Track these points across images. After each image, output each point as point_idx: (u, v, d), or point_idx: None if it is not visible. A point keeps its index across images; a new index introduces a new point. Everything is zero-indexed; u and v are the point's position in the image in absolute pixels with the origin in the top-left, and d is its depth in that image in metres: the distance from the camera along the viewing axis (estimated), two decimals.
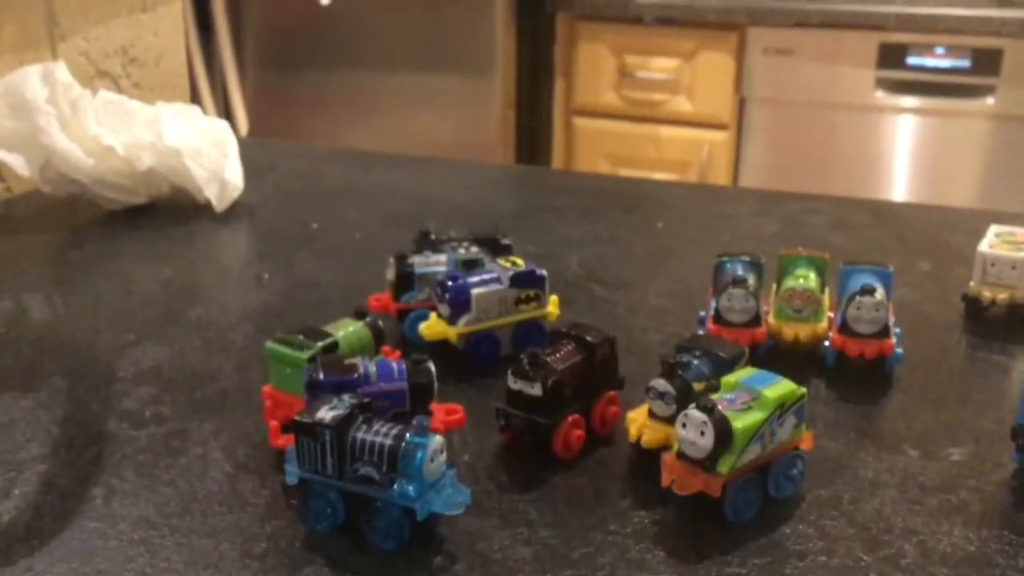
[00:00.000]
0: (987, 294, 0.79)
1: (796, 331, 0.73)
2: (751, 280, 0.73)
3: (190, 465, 0.62)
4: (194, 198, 1.06)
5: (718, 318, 0.73)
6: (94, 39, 1.19)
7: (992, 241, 0.80)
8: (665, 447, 0.58)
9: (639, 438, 0.60)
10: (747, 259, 0.76)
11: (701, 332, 0.73)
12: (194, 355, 0.75)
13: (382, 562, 0.53)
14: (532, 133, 2.83)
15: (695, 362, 0.61)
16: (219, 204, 1.04)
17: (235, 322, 0.81)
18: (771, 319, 0.73)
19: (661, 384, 0.60)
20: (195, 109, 1.09)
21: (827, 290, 0.76)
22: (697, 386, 0.60)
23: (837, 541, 0.54)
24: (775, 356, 0.73)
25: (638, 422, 0.61)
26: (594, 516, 0.57)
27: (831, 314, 0.74)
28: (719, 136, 2.67)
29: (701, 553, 0.54)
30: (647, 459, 0.60)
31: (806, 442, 0.58)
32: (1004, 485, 0.60)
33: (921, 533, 0.55)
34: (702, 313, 0.75)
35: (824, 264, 0.76)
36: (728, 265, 0.75)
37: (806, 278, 0.74)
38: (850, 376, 0.71)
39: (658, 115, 2.72)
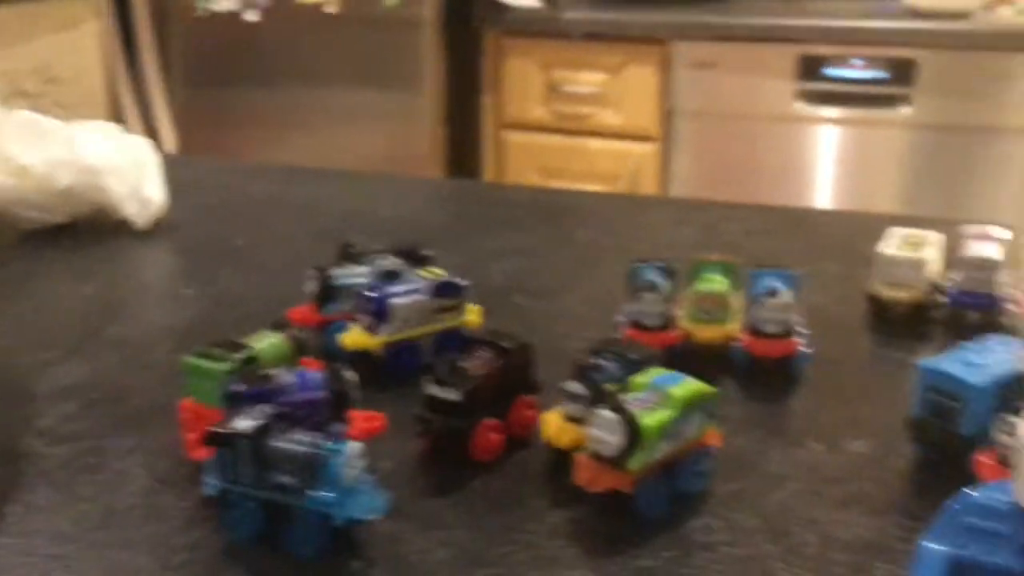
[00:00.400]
0: (888, 294, 0.82)
1: (707, 333, 0.75)
2: (664, 285, 0.75)
3: (109, 480, 0.62)
4: (115, 216, 1.05)
5: (633, 322, 0.75)
6: (13, 58, 1.18)
7: (893, 243, 0.84)
8: (580, 447, 0.60)
9: (555, 439, 0.62)
10: (661, 265, 0.78)
11: (617, 336, 0.75)
12: (114, 372, 0.75)
13: (301, 569, 0.54)
14: (463, 148, 2.85)
15: (607, 364, 0.63)
16: (140, 222, 1.04)
17: (156, 339, 0.82)
18: (684, 322, 0.76)
19: (574, 386, 0.62)
20: (114, 127, 1.08)
21: (737, 293, 0.78)
22: (609, 387, 0.61)
23: (743, 532, 0.57)
24: (688, 358, 0.75)
25: (553, 424, 0.63)
26: (511, 516, 0.58)
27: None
28: (647, 148, 2.71)
29: (613, 548, 0.55)
30: (563, 460, 0.62)
31: (714, 439, 0.61)
32: (902, 475, 0.63)
33: (823, 522, 0.57)
34: (619, 319, 0.77)
35: (734, 268, 0.78)
36: (642, 271, 0.78)
37: (716, 282, 0.76)
38: (759, 376, 0.74)
39: (587, 128, 2.76)
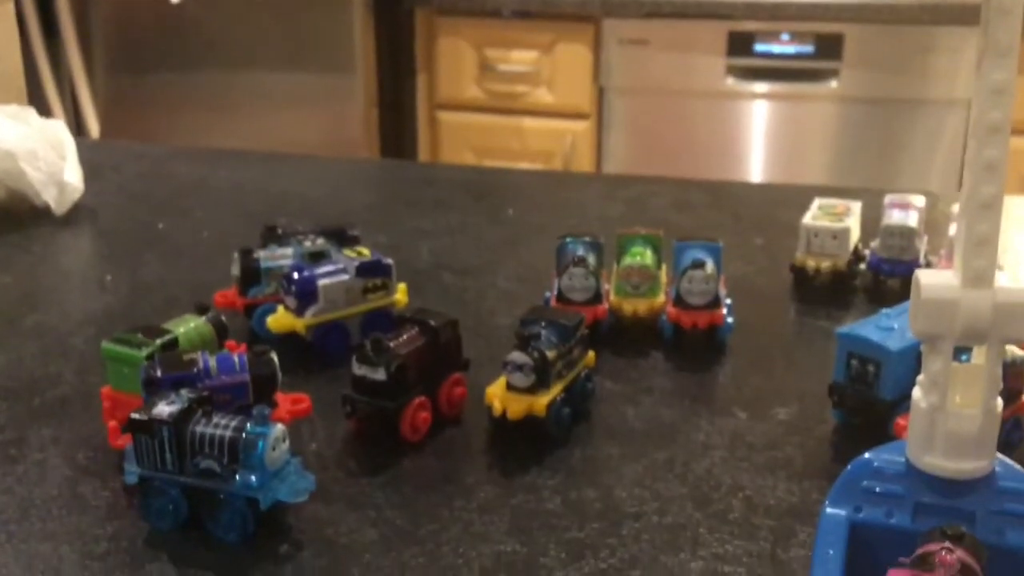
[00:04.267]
0: (811, 264, 0.83)
1: (635, 306, 0.75)
2: (591, 259, 0.76)
3: (28, 471, 0.60)
4: (32, 202, 1.03)
5: (561, 297, 0.75)
6: None
7: (815, 213, 0.85)
8: (530, 416, 0.62)
9: (504, 411, 0.62)
10: (588, 239, 0.78)
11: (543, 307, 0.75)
12: (32, 362, 0.74)
13: (228, 554, 0.53)
14: (397, 129, 2.82)
15: (543, 333, 0.63)
16: (58, 207, 1.02)
17: (75, 326, 0.80)
18: (612, 296, 0.76)
19: (519, 357, 0.62)
20: (30, 111, 1.05)
21: (664, 266, 0.79)
22: (550, 354, 0.62)
23: (670, 501, 0.57)
24: (616, 331, 0.76)
25: (499, 396, 0.63)
26: (441, 494, 0.58)
27: (668, 289, 0.77)
28: (581, 126, 2.72)
29: (542, 522, 0.56)
30: (500, 434, 0.63)
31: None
32: (825, 440, 0.64)
33: (748, 488, 0.58)
34: (547, 294, 0.77)
35: (659, 241, 0.79)
36: (570, 246, 0.78)
37: (642, 255, 0.76)
38: (686, 347, 0.75)
39: (520, 107, 2.75)
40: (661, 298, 0.76)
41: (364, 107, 2.72)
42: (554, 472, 0.60)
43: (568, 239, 0.79)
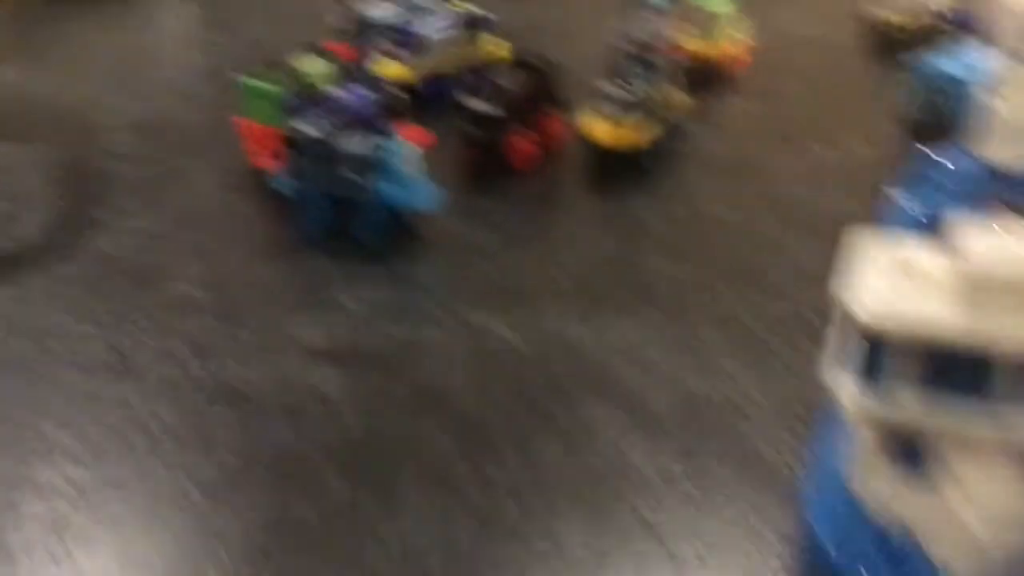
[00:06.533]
0: (894, 20, 0.86)
1: (699, 48, 0.80)
2: (664, 4, 0.78)
3: (186, 190, 0.68)
4: None
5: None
6: None
7: None
8: (627, 147, 0.68)
9: (602, 141, 0.68)
10: None
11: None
12: (165, 107, 0.80)
13: (373, 252, 0.61)
14: None
15: (641, 71, 0.69)
16: None
17: (195, 79, 0.86)
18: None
19: (615, 91, 0.68)
20: None
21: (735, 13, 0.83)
22: (646, 90, 0.68)
23: (755, 215, 0.64)
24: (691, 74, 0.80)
25: (595, 126, 0.68)
26: (549, 206, 0.66)
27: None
28: None
29: (639, 230, 0.63)
30: (596, 161, 0.70)
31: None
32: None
33: (827, 206, 0.65)
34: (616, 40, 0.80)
35: None
36: None
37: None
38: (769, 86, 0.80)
39: None
40: (725, 43, 0.81)
41: None
42: (649, 194, 0.67)
43: None
